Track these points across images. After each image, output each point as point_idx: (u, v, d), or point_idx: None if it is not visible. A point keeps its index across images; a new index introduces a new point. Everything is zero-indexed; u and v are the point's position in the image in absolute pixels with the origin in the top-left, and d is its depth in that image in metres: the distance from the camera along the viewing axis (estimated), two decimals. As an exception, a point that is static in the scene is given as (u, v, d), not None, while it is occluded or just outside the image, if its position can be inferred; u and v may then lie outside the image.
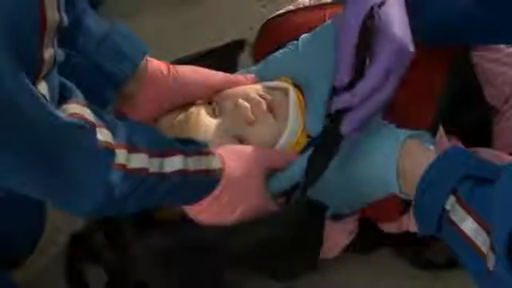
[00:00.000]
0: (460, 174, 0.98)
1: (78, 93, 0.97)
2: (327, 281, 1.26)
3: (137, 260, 1.15)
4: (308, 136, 1.18)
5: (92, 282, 1.23)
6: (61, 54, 0.94)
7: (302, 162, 1.12)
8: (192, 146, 1.07)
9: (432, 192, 1.00)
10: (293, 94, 1.20)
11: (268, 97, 1.19)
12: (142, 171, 1.00)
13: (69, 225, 1.31)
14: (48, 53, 0.89)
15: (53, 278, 1.28)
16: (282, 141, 1.17)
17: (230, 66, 1.34)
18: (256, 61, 1.33)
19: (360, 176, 1.09)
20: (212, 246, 1.12)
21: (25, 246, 1.31)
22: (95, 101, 1.08)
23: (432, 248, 1.24)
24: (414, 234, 1.20)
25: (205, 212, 1.10)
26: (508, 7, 1.11)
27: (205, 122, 1.17)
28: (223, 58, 1.33)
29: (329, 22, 1.24)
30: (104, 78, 1.12)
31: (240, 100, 1.17)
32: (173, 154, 1.03)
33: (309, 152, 1.12)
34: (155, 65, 1.17)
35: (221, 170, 1.08)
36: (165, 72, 1.17)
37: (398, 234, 1.24)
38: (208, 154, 1.07)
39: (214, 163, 1.07)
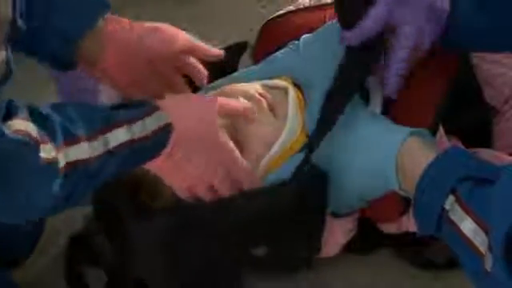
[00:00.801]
0: (459, 174, 0.98)
1: (23, 109, 0.96)
2: (327, 281, 1.26)
3: (137, 249, 1.14)
4: (306, 135, 1.18)
5: (92, 283, 1.23)
6: (13, 61, 0.93)
7: (296, 159, 1.13)
8: (135, 109, 1.04)
9: (431, 191, 1.00)
10: (292, 92, 1.20)
11: (268, 95, 1.19)
12: (80, 162, 0.98)
13: (68, 226, 1.31)
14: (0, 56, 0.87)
15: (53, 278, 1.28)
16: (282, 139, 1.17)
17: (231, 68, 1.33)
18: (256, 62, 1.33)
19: (361, 170, 1.10)
20: (211, 221, 1.11)
21: (25, 246, 1.30)
22: (56, 63, 1.07)
23: (432, 248, 1.24)
24: (414, 234, 1.20)
25: (159, 169, 1.07)
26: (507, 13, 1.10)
27: None
28: (225, 59, 1.33)
29: (330, 22, 1.24)
30: (61, 37, 1.09)
31: (240, 98, 1.18)
32: (116, 127, 1.01)
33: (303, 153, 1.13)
34: (115, 21, 1.12)
35: (169, 125, 1.04)
36: (127, 27, 1.12)
37: (398, 234, 1.24)
38: (154, 111, 1.04)
39: (162, 119, 1.04)
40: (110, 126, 1.01)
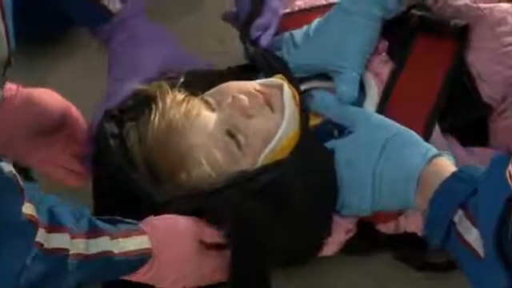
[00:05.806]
0: (469, 191, 0.99)
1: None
2: (327, 283, 1.26)
3: None
4: None
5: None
6: None
7: None
8: (120, 226, 1.05)
9: (442, 207, 1.02)
10: (287, 89, 1.21)
11: (266, 91, 1.21)
12: (61, 251, 0.98)
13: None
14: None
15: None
16: (279, 134, 1.18)
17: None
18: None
19: (382, 187, 1.12)
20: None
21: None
22: None
23: (432, 250, 1.23)
24: (413, 235, 1.21)
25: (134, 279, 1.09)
26: None
27: (204, 115, 1.18)
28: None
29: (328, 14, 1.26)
30: None
31: (237, 93, 1.18)
32: (98, 235, 1.01)
33: None
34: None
35: (149, 250, 1.06)
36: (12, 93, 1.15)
37: (397, 236, 1.24)
38: (136, 234, 1.06)
39: (143, 243, 1.05)
40: (93, 231, 1.01)
